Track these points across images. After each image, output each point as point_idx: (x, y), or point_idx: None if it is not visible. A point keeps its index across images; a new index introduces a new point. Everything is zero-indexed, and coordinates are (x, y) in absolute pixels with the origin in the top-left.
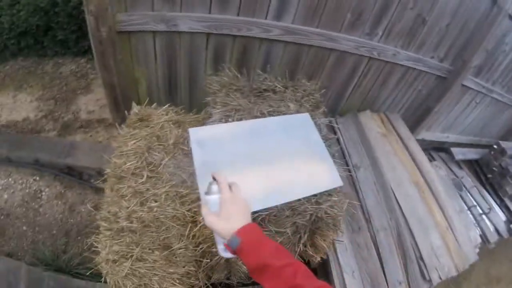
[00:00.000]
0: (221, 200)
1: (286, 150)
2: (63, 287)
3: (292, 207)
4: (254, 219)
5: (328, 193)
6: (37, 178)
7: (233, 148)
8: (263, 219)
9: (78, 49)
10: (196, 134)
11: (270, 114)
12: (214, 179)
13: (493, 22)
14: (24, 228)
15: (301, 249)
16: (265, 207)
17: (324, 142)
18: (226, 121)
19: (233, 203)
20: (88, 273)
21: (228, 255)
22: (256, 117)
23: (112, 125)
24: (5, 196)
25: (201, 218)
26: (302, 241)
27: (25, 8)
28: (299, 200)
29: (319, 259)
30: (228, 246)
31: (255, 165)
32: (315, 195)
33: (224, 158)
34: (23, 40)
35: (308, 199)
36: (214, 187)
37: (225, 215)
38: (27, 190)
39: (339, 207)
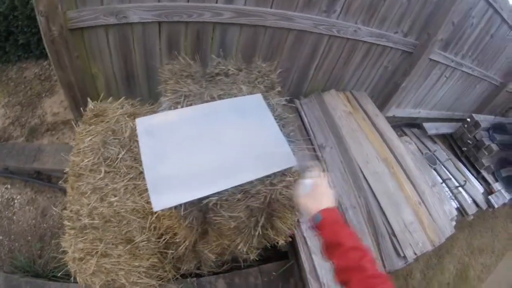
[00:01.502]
0: (314, 184)
1: (237, 132)
2: None
3: (244, 190)
4: (205, 204)
5: (282, 173)
6: (9, 186)
7: (182, 134)
8: (214, 204)
9: (40, 51)
10: (144, 123)
11: (221, 97)
12: (309, 167)
13: None
14: (0, 237)
15: (261, 233)
16: (216, 191)
17: (278, 122)
18: (176, 108)
19: (323, 187)
20: (59, 274)
21: (310, 232)
22: (206, 101)
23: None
24: None
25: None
26: (260, 224)
27: None
28: (251, 182)
29: (282, 242)
30: (311, 220)
31: (205, 149)
32: (268, 176)
33: (173, 145)
34: None
35: (261, 181)
36: (310, 173)
37: (315, 196)
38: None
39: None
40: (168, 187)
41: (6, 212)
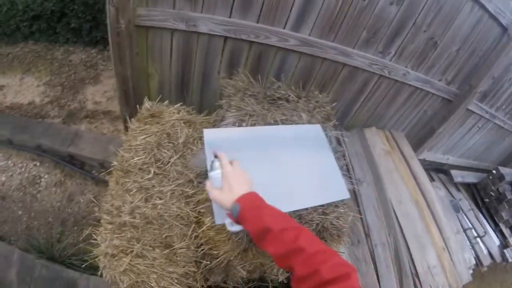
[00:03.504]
0: (223, 175)
1: (297, 159)
2: (56, 276)
3: (300, 215)
4: None
5: (335, 205)
6: (38, 163)
7: (245, 152)
8: None
9: (90, 39)
10: (210, 135)
11: (283, 122)
12: (215, 157)
13: (502, 50)
14: (20, 212)
15: None
16: None
17: (334, 154)
18: (240, 125)
19: (234, 176)
20: (83, 265)
21: (234, 228)
22: (269, 124)
23: (117, 118)
24: (3, 178)
25: (210, 220)
26: None
27: None
28: (306, 209)
29: None
30: (230, 215)
31: (266, 171)
32: (322, 206)
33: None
34: (35, 24)
35: (315, 208)
36: (216, 164)
37: (227, 188)
38: (26, 175)
39: (344, 219)
40: None
41: (31, 189)
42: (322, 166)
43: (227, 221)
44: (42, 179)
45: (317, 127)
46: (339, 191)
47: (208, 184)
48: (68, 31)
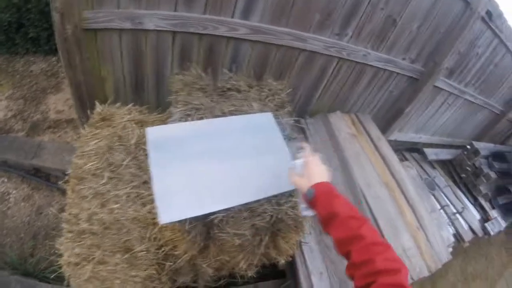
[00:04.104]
0: (305, 163)
1: (246, 149)
2: None
3: (250, 208)
4: (211, 220)
5: (289, 194)
6: (5, 179)
7: (192, 147)
8: (220, 220)
9: (50, 47)
10: (154, 133)
11: (232, 113)
12: (299, 148)
13: (466, 25)
14: None
15: (263, 251)
16: (224, 207)
17: (287, 141)
18: (186, 120)
19: (314, 165)
20: (52, 276)
21: (308, 212)
22: (217, 116)
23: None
24: None
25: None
26: (263, 243)
27: None
28: (258, 201)
29: (282, 261)
30: (305, 197)
31: (214, 164)
32: (275, 196)
33: (182, 157)
34: None
35: (268, 200)
36: (300, 154)
37: (307, 175)
38: None
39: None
40: (175, 200)
41: (0, 206)
42: (274, 155)
43: (302, 206)
44: (11, 195)
45: (268, 115)
46: None
47: (290, 171)
48: (26, 41)
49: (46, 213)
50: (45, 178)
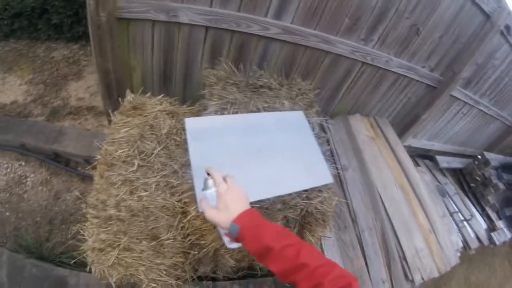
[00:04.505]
0: (218, 193)
1: (279, 145)
2: (46, 275)
3: (283, 201)
4: None
5: (319, 189)
6: (23, 163)
7: (228, 140)
8: None
9: (72, 34)
10: (192, 124)
11: (265, 109)
12: (208, 174)
13: (485, 37)
14: (7, 213)
15: None
16: (258, 199)
17: (317, 140)
18: (222, 114)
19: (229, 194)
20: (71, 262)
21: (233, 245)
22: (251, 111)
23: (101, 113)
24: None
25: (195, 209)
26: None
27: None
28: (290, 194)
29: None
30: (229, 235)
31: (249, 158)
32: (306, 190)
33: (219, 149)
34: (16, 22)
35: (299, 194)
36: (210, 182)
37: (223, 207)
38: (11, 175)
39: (328, 203)
40: None
41: (17, 189)
42: (305, 152)
43: (226, 240)
44: (28, 179)
45: (300, 114)
46: (322, 176)
47: (203, 203)
48: (49, 28)
49: (64, 198)
50: (65, 164)
